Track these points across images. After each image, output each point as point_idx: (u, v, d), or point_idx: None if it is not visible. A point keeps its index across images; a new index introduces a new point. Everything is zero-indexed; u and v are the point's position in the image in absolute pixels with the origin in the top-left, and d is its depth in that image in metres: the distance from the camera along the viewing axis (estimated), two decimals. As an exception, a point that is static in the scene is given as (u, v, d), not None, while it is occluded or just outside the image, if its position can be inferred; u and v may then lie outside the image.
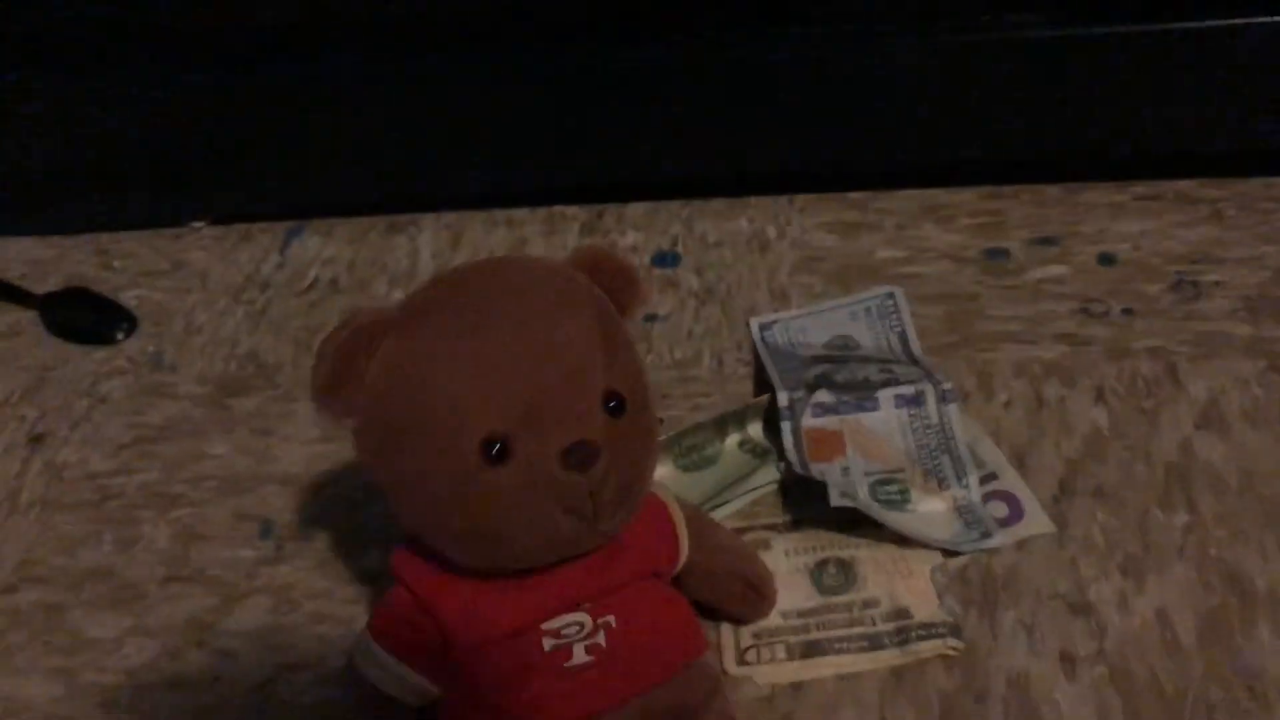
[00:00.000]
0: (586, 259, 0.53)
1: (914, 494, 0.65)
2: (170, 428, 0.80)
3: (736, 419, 0.71)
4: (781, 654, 0.59)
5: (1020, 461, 0.67)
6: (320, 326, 0.86)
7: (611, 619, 0.51)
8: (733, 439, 0.71)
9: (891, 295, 0.79)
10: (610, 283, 0.52)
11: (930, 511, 0.64)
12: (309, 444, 0.76)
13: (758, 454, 0.70)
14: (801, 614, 0.60)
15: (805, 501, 0.65)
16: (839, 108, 0.84)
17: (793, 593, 0.61)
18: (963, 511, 0.64)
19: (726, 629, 0.60)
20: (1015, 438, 0.69)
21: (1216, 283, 0.77)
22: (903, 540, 0.63)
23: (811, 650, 0.59)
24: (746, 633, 0.60)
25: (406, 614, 0.52)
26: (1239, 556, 0.61)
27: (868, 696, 0.57)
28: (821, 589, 0.61)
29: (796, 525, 0.65)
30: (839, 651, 0.59)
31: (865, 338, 0.76)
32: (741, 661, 0.59)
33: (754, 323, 0.79)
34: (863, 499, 0.63)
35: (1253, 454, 0.66)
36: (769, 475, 0.68)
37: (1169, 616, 0.59)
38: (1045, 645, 0.58)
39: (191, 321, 0.89)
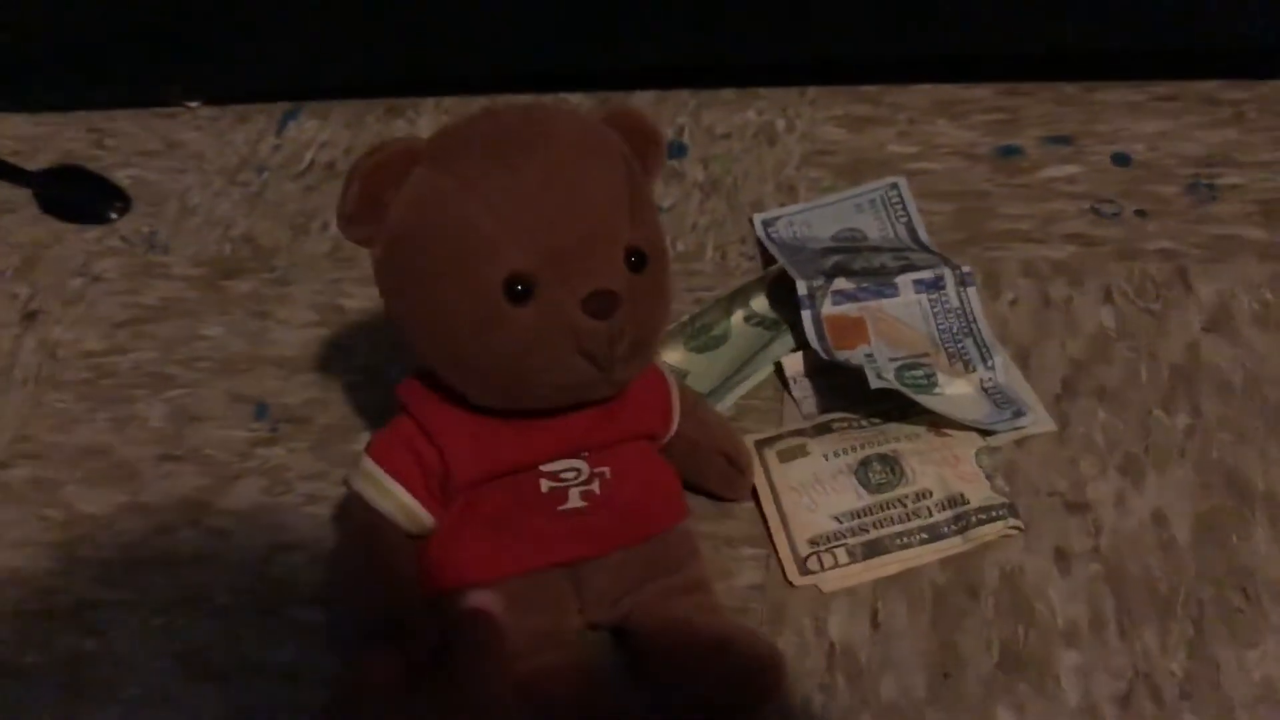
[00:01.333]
0: (619, 117, 0.52)
1: (941, 378, 0.64)
2: (165, 308, 0.79)
3: (741, 295, 0.71)
4: (844, 558, 0.58)
5: (1024, 361, 0.66)
6: (316, 210, 0.84)
7: (607, 470, 0.53)
8: (739, 314, 0.71)
9: (895, 186, 0.77)
10: (639, 144, 0.52)
11: (959, 394, 0.64)
12: (305, 327, 0.75)
13: (767, 326, 0.70)
14: (855, 514, 0.60)
15: (831, 401, 0.65)
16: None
17: (841, 495, 0.60)
18: (991, 393, 0.64)
19: (782, 542, 0.59)
20: (1020, 337, 0.68)
21: (1233, 186, 0.75)
22: (941, 428, 0.62)
23: (874, 549, 0.58)
24: (803, 541, 0.59)
25: (409, 440, 0.52)
26: (1240, 459, 0.60)
27: (860, 588, 0.57)
28: (870, 487, 0.60)
29: (829, 428, 0.64)
30: (902, 547, 0.58)
31: (872, 229, 0.75)
32: (805, 571, 0.58)
33: (757, 219, 0.77)
34: (894, 382, 0.63)
35: (1260, 358, 0.65)
36: (785, 347, 0.68)
37: (1166, 516, 0.58)
38: (1040, 542, 0.58)
39: (186, 202, 0.87)
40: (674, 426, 0.57)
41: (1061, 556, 0.57)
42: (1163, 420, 0.62)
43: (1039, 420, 0.63)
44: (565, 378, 0.49)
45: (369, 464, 0.53)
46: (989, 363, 0.65)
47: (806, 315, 0.67)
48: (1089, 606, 0.55)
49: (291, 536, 0.64)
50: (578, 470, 0.52)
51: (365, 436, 0.68)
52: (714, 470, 0.60)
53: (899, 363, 0.65)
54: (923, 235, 0.74)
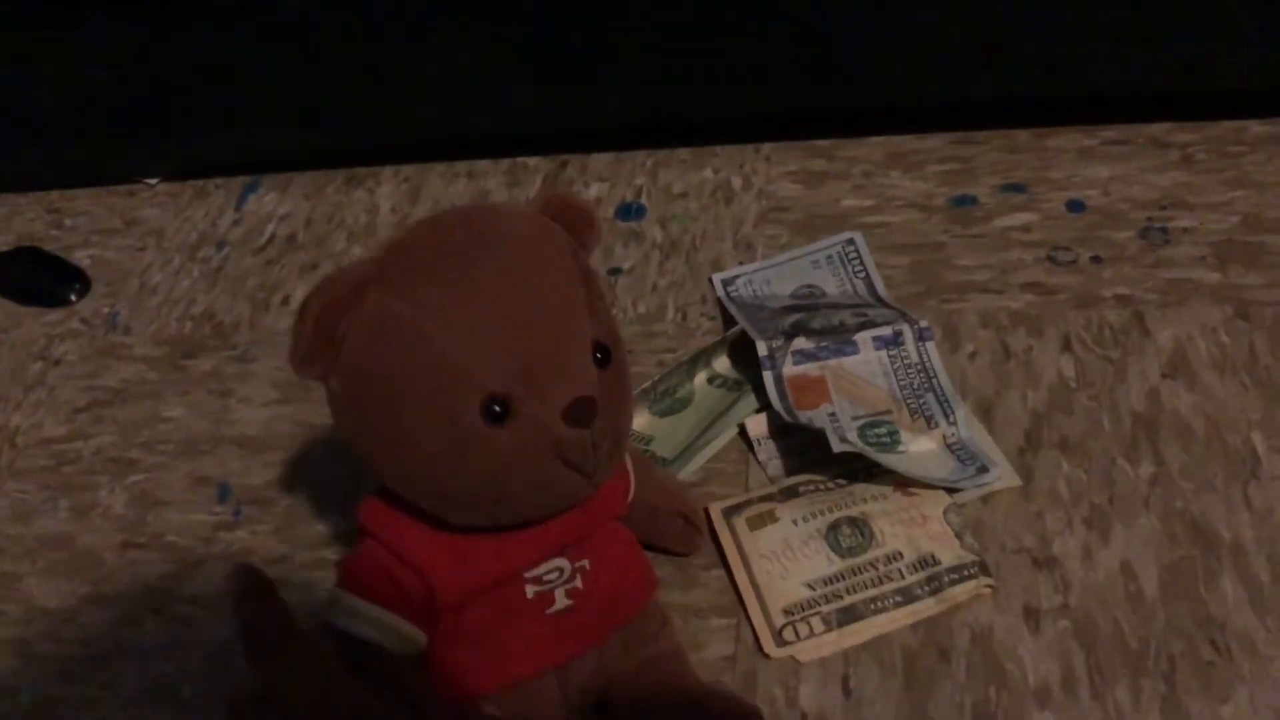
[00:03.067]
0: (552, 204, 0.51)
1: (904, 434, 0.64)
2: (125, 390, 0.78)
3: (703, 357, 0.71)
4: (820, 626, 0.58)
5: (986, 413, 0.66)
6: (278, 284, 0.84)
7: (586, 563, 0.52)
8: (701, 376, 0.71)
9: (852, 241, 0.78)
10: (574, 225, 0.51)
11: (922, 451, 0.64)
12: (267, 405, 0.75)
13: (730, 388, 0.70)
14: (828, 580, 0.59)
15: (797, 462, 0.65)
16: (805, 49, 0.82)
17: (813, 560, 0.60)
18: (954, 449, 0.64)
19: (756, 612, 0.59)
20: (982, 389, 0.68)
21: (1185, 229, 0.76)
22: (907, 487, 0.62)
23: (848, 616, 0.58)
24: (777, 611, 0.58)
25: (384, 567, 0.49)
26: (1204, 507, 0.60)
27: (832, 657, 0.57)
28: (840, 551, 0.60)
29: (795, 491, 0.63)
30: (876, 612, 0.58)
31: (830, 285, 0.75)
32: (780, 641, 0.57)
33: (717, 279, 0.78)
34: (857, 443, 0.62)
35: (1219, 403, 0.65)
36: (748, 407, 0.68)
37: (1133, 569, 0.58)
38: (1010, 600, 0.58)
39: (146, 281, 0.87)
40: (631, 495, 0.56)
41: (1031, 614, 0.57)
42: (1126, 470, 0.63)
43: (1004, 475, 0.63)
44: (550, 491, 0.47)
45: (348, 599, 0.50)
46: (950, 418, 0.65)
47: (768, 376, 0.67)
48: (1060, 665, 0.55)
49: (257, 623, 0.63)
50: (560, 569, 0.51)
51: (329, 517, 0.67)
52: (671, 531, 0.60)
53: (861, 420, 0.65)
54: (880, 289, 0.74)
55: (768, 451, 0.66)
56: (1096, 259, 0.75)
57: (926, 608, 0.58)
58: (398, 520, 0.50)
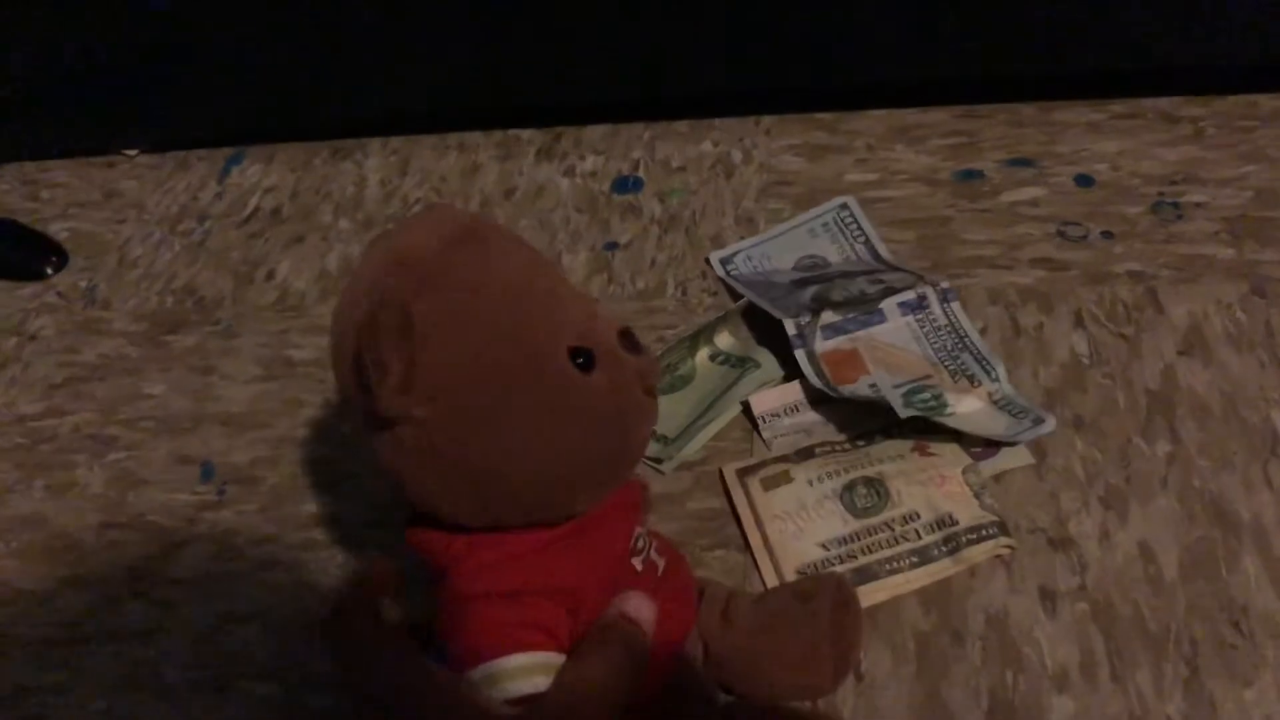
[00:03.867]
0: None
1: (949, 397, 0.62)
2: (104, 367, 0.75)
3: (705, 333, 0.69)
4: None
5: (997, 391, 0.64)
6: (262, 258, 0.81)
7: (650, 538, 0.50)
8: (704, 353, 0.69)
9: (846, 206, 0.76)
10: None
11: (971, 411, 0.62)
12: (251, 382, 0.72)
13: (733, 365, 0.68)
14: (843, 540, 0.57)
15: (803, 442, 0.63)
16: (807, 21, 0.80)
17: (827, 521, 0.58)
18: (1002, 404, 0.62)
19: (769, 572, 0.57)
20: (992, 367, 0.66)
21: (1198, 204, 0.74)
22: (925, 447, 0.60)
23: (863, 576, 0.56)
24: (790, 572, 0.57)
25: (526, 618, 0.43)
26: (1223, 486, 0.58)
27: (841, 638, 0.55)
28: (856, 512, 0.58)
29: (811, 453, 0.62)
30: (891, 572, 0.56)
31: (831, 253, 0.73)
32: None
33: (714, 258, 0.75)
34: (918, 410, 0.60)
35: (1236, 380, 0.63)
36: (752, 384, 0.66)
37: (1152, 550, 0.57)
38: (1025, 581, 0.56)
39: (126, 254, 0.84)
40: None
41: (1047, 596, 0.55)
42: (1142, 449, 0.61)
43: (1017, 454, 0.61)
44: (649, 422, 0.47)
45: (509, 663, 0.42)
46: (993, 374, 0.63)
47: (801, 354, 0.65)
48: (1079, 648, 0.53)
49: (243, 606, 0.60)
50: (640, 535, 0.49)
51: (316, 497, 0.65)
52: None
53: (904, 388, 0.63)
54: (883, 252, 0.73)
55: (773, 429, 0.64)
56: (1107, 234, 0.73)
57: (943, 568, 0.56)
58: (499, 558, 0.44)
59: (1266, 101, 0.81)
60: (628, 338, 0.45)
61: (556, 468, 0.44)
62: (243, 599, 0.61)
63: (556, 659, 0.43)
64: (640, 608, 0.45)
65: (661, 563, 0.49)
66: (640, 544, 0.48)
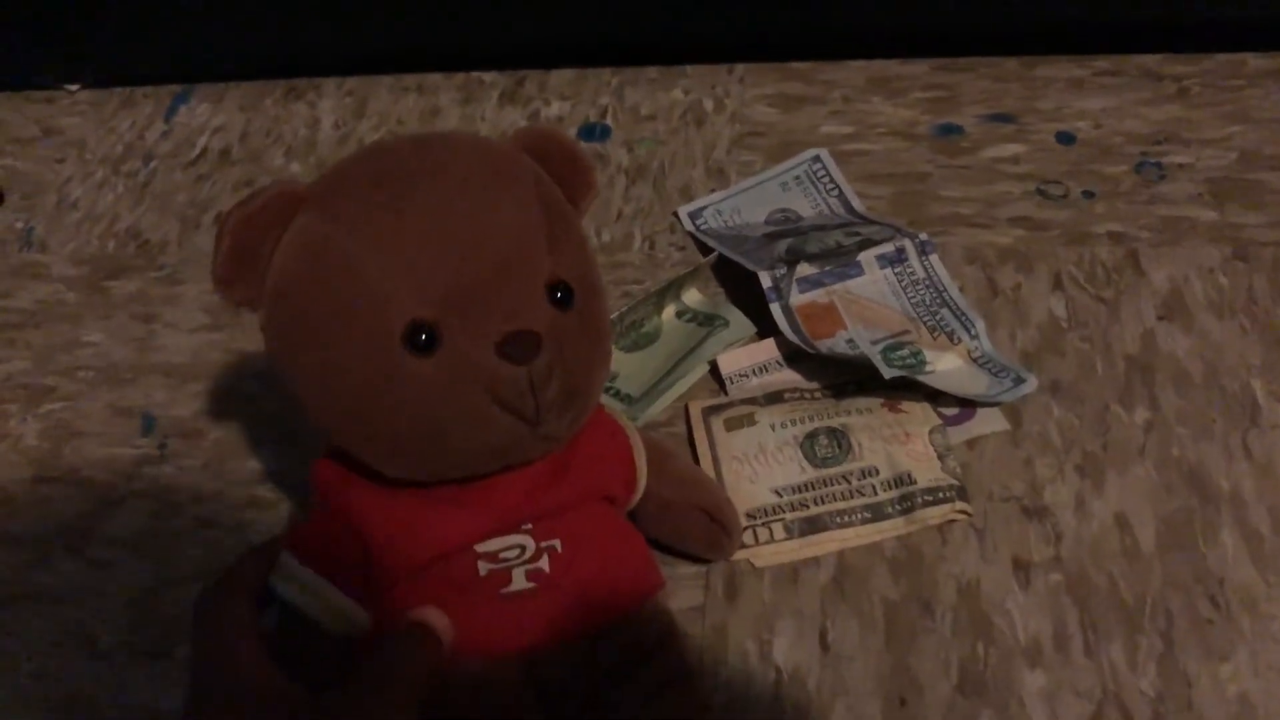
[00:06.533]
0: (531, 140, 0.46)
1: (928, 354, 0.60)
2: (41, 313, 0.72)
3: (672, 289, 0.66)
4: (781, 533, 0.55)
5: (972, 354, 0.62)
6: (209, 201, 0.78)
7: (557, 543, 0.46)
8: (670, 310, 0.67)
9: (818, 158, 0.73)
10: (558, 170, 0.46)
11: (950, 369, 0.60)
12: (196, 331, 0.69)
13: (700, 322, 0.65)
14: (796, 489, 0.56)
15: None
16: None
17: (784, 468, 0.57)
18: (981, 362, 0.60)
19: None
20: (967, 328, 0.64)
21: (1181, 165, 0.72)
22: (896, 404, 0.58)
23: (812, 526, 0.55)
24: (740, 514, 0.55)
25: (329, 531, 0.45)
26: (1202, 456, 0.57)
27: (807, 606, 0.53)
28: (815, 461, 0.57)
29: (780, 397, 0.60)
30: (841, 525, 0.55)
31: (804, 207, 0.71)
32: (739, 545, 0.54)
33: (683, 213, 0.72)
34: (901, 370, 0.58)
35: (1217, 346, 0.61)
36: (719, 344, 0.64)
37: (1128, 520, 0.55)
38: (997, 551, 0.54)
39: (65, 195, 0.80)
40: (640, 488, 0.50)
41: (1020, 566, 0.54)
42: (1120, 416, 0.59)
43: (991, 420, 0.59)
44: (486, 436, 0.42)
45: (287, 559, 0.44)
46: (971, 330, 0.61)
47: (776, 308, 0.62)
48: (1052, 620, 0.52)
49: (183, 567, 0.58)
50: (521, 547, 0.45)
51: (263, 452, 0.62)
52: (693, 530, 0.53)
53: (881, 344, 0.60)
54: (857, 205, 0.70)
55: (741, 390, 0.62)
56: (1088, 194, 0.71)
57: (895, 526, 0.55)
58: (348, 481, 0.45)
59: (1254, 61, 0.79)
60: (512, 343, 0.40)
61: (354, 433, 0.43)
62: (183, 559, 0.58)
63: (327, 590, 0.43)
64: (430, 615, 0.43)
65: (529, 587, 0.45)
66: (509, 554, 0.45)
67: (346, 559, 0.44)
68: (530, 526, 0.45)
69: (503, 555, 0.45)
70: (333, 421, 0.43)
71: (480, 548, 0.45)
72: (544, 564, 0.45)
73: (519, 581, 0.45)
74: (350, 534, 0.44)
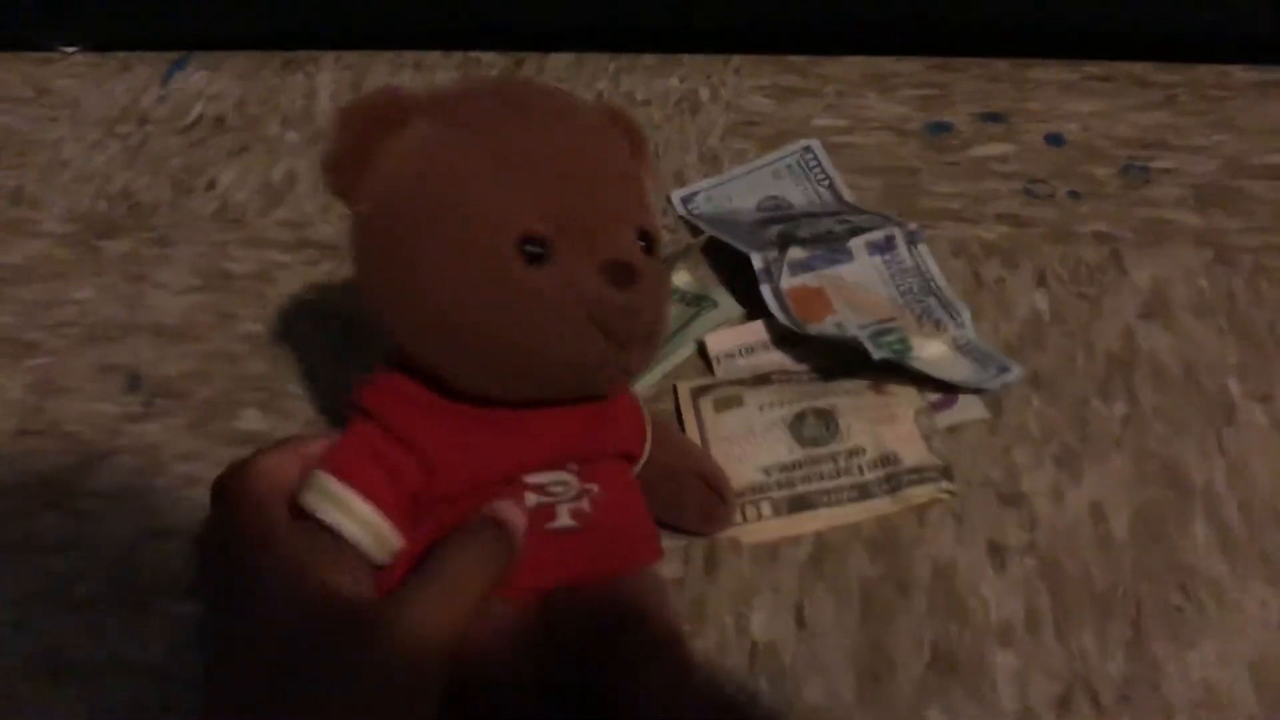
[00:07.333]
0: (613, 115, 0.48)
1: (914, 341, 0.61)
2: (29, 269, 0.72)
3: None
4: (767, 511, 0.55)
5: (956, 344, 0.63)
6: (202, 167, 0.78)
7: (596, 488, 0.46)
8: None
9: (809, 148, 0.74)
10: (631, 146, 0.48)
11: (935, 356, 0.60)
12: (186, 293, 0.69)
13: (688, 303, 0.66)
14: (784, 468, 0.56)
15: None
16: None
17: (772, 447, 0.57)
18: (965, 350, 0.61)
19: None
20: (952, 320, 0.65)
21: (1166, 170, 0.73)
22: (882, 386, 0.59)
23: (799, 504, 0.55)
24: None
25: (378, 449, 0.43)
26: (1177, 451, 0.58)
27: (785, 583, 0.54)
28: (802, 441, 0.57)
29: (768, 379, 0.60)
30: (828, 504, 0.55)
31: (795, 196, 0.72)
32: None
33: (675, 195, 0.73)
34: (889, 354, 0.59)
35: (1196, 346, 0.62)
36: (708, 324, 0.64)
37: (1103, 510, 0.56)
38: (974, 535, 0.55)
39: (58, 154, 0.80)
40: (647, 450, 0.51)
41: (996, 550, 0.54)
42: (1099, 409, 0.60)
43: (971, 407, 0.60)
44: (577, 353, 0.42)
45: (328, 481, 0.42)
46: (958, 319, 0.62)
47: (766, 290, 0.63)
48: (1024, 604, 0.52)
49: (165, 522, 0.58)
50: (566, 484, 0.46)
51: (248, 413, 0.62)
52: (691, 499, 0.54)
53: (869, 330, 0.61)
54: (847, 196, 0.71)
55: (728, 369, 0.62)
56: (1074, 194, 0.72)
57: (881, 505, 0.56)
58: (399, 398, 0.44)
59: (1239, 73, 0.80)
60: (616, 269, 0.42)
61: (441, 340, 0.43)
62: (165, 515, 0.58)
63: (368, 510, 0.42)
64: (508, 511, 0.43)
65: (572, 525, 0.45)
66: (557, 489, 0.45)
67: (395, 479, 0.43)
68: (576, 468, 0.46)
69: (551, 489, 0.45)
70: (422, 329, 0.43)
71: (530, 479, 0.45)
72: (585, 504, 0.46)
73: (563, 518, 0.45)
74: (402, 450, 0.43)
